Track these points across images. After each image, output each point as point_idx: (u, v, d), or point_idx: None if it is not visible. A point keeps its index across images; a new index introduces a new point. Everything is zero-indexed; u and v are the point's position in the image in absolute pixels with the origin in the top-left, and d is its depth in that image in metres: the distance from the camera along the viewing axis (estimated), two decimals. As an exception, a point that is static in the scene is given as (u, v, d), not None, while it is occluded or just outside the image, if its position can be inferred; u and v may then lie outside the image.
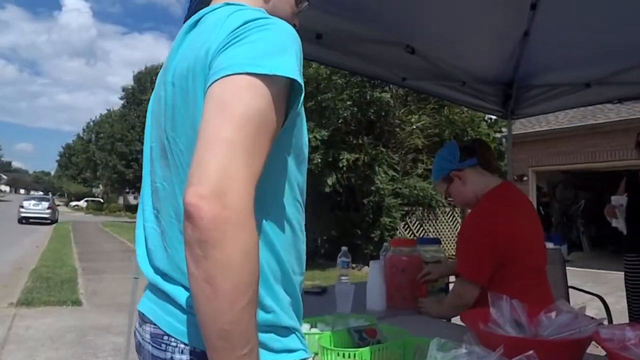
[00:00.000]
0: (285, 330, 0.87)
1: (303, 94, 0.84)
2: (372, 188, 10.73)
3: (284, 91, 0.80)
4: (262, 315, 0.81)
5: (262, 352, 0.79)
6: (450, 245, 11.73)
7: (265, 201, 0.83)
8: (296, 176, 0.91)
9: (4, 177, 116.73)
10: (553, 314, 1.27)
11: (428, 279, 2.11)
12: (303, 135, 0.92)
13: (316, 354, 1.31)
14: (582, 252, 12.39)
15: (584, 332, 1.13)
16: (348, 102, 10.55)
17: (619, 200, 3.36)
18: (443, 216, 11.95)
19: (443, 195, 2.15)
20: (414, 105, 11.64)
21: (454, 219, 12.05)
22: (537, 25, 2.90)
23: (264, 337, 0.81)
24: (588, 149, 11.39)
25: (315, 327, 1.53)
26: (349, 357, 1.24)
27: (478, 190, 1.98)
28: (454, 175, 2.02)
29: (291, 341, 0.87)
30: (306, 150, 0.94)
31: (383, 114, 11.34)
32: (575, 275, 3.44)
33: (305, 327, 1.51)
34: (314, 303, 2.23)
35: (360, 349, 1.25)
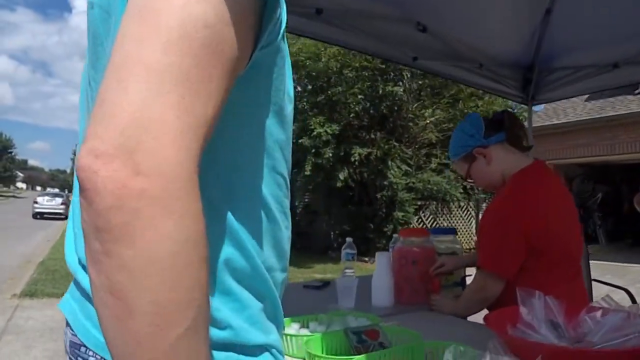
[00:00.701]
0: (251, 350, 0.60)
1: (284, 17, 0.57)
2: (385, 183, 10.45)
3: (248, 1, 0.51)
4: (216, 334, 0.56)
5: None
6: (464, 240, 11.45)
7: (226, 173, 0.58)
8: (278, 137, 0.63)
9: (20, 174, 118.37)
10: (598, 314, 1.03)
11: (442, 271, 1.86)
12: (286, 81, 0.64)
13: (304, 359, 1.08)
14: (598, 245, 12.09)
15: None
16: (360, 96, 10.29)
17: (651, 189, 3.09)
18: (457, 210, 11.65)
19: (463, 176, 1.85)
20: (428, 100, 11.34)
21: (469, 213, 11.74)
22: (560, 2, 2.65)
23: (219, 356, 0.57)
24: (606, 141, 11.04)
25: (307, 327, 1.30)
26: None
27: (506, 170, 1.71)
28: (478, 153, 1.74)
29: None
30: (291, 106, 0.67)
31: (396, 108, 11.05)
32: (593, 268, 3.20)
33: (294, 328, 1.27)
34: (313, 298, 2.01)
35: (356, 356, 1.01)
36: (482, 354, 0.81)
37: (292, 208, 13.15)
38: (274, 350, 0.64)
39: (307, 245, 12.56)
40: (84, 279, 0.62)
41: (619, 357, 0.85)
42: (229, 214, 0.58)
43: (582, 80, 3.28)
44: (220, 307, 0.57)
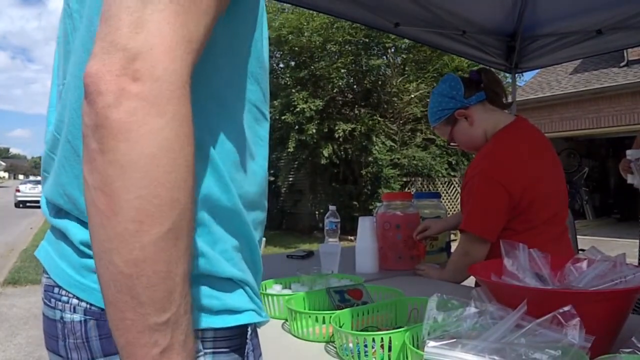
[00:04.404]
0: (226, 283, 0.60)
1: None
2: (370, 159, 10.41)
3: None
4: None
5: None
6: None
7: (205, 102, 0.58)
8: (255, 71, 0.65)
9: (2, 163, 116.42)
10: (584, 264, 1.00)
11: (426, 234, 1.82)
12: (263, 32, 0.66)
13: (285, 320, 1.05)
14: (585, 220, 12.20)
15: (633, 281, 0.86)
16: (343, 71, 10.19)
17: (634, 154, 3.07)
18: (442, 186, 11.67)
19: (446, 141, 1.81)
20: (412, 75, 11.26)
21: (454, 189, 11.79)
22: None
23: (193, 290, 0.55)
24: (592, 114, 11.09)
25: (289, 288, 1.27)
26: (322, 321, 0.97)
27: (488, 129, 1.67)
28: (460, 115, 1.69)
29: (236, 298, 0.60)
30: (267, 56, 0.68)
31: (380, 83, 10.99)
32: (580, 243, 3.19)
33: (276, 289, 1.24)
34: (297, 266, 1.97)
35: (337, 311, 0.98)
36: (467, 302, 0.79)
37: (277, 188, 13.17)
38: (247, 288, 0.62)
39: (292, 225, 12.53)
40: (55, 219, 0.63)
41: (606, 297, 0.83)
42: (209, 145, 0.58)
43: (566, 47, 3.29)
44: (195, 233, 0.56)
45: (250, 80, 0.64)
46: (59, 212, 0.62)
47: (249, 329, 0.62)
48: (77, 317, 0.57)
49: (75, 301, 0.58)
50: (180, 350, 0.48)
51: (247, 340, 0.62)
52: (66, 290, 0.58)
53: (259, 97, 0.66)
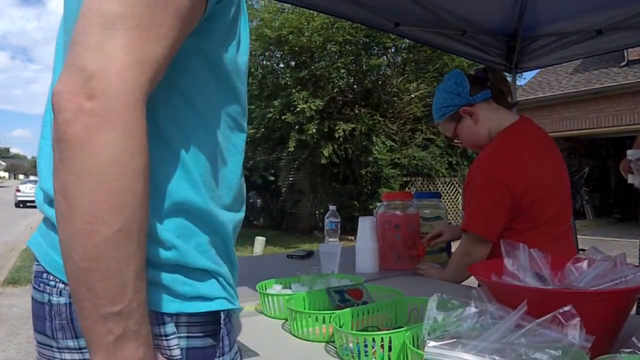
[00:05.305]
0: (199, 273, 0.66)
1: None
2: (370, 159, 10.43)
3: None
4: (162, 253, 0.62)
5: (165, 298, 0.63)
6: (452, 217, 11.49)
7: (179, 110, 0.65)
8: (236, 87, 0.71)
9: (3, 163, 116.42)
10: (584, 264, 1.00)
11: (440, 240, 1.82)
12: (241, 32, 0.71)
13: (285, 320, 1.05)
14: (585, 220, 12.19)
15: (633, 281, 0.86)
16: (342, 71, 10.20)
17: (635, 154, 3.07)
18: (443, 186, 11.67)
19: (450, 138, 1.79)
20: (412, 74, 11.27)
21: (454, 189, 11.79)
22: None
23: (167, 278, 0.63)
24: (592, 114, 11.09)
25: (289, 288, 1.27)
26: (322, 320, 0.97)
27: (492, 128, 1.66)
28: (465, 112, 1.68)
29: (208, 287, 0.67)
30: (246, 57, 0.73)
31: (380, 83, 11.00)
32: (581, 243, 3.18)
33: (276, 289, 1.24)
34: (297, 266, 1.97)
35: (337, 311, 0.98)
36: (467, 302, 0.79)
37: (277, 188, 13.16)
38: (220, 279, 0.68)
39: (292, 225, 12.52)
40: (48, 210, 0.68)
41: (607, 297, 0.83)
42: (182, 151, 0.64)
43: (566, 47, 3.28)
44: (163, 229, 0.62)
45: (228, 93, 0.69)
46: (51, 202, 0.66)
47: (222, 315, 0.67)
48: (62, 300, 0.64)
49: (61, 285, 0.64)
50: (133, 339, 0.54)
51: (221, 326, 0.67)
52: (53, 275, 0.65)
53: (236, 110, 0.72)
